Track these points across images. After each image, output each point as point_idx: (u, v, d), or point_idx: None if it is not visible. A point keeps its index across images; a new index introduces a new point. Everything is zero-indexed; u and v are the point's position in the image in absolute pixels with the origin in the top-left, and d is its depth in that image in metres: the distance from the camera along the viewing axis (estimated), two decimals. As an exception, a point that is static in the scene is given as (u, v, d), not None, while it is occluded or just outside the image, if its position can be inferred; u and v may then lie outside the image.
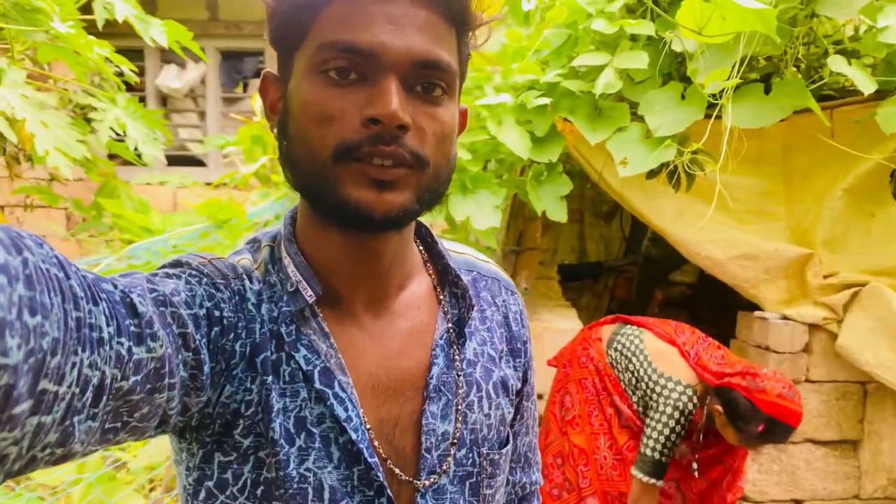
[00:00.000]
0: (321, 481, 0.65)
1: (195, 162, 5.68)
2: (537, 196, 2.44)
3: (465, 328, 0.78)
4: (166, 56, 5.49)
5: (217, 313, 0.63)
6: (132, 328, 0.52)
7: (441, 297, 0.78)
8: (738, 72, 2.02)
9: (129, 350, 0.51)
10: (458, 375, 0.75)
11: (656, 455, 1.99)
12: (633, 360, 2.15)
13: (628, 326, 2.28)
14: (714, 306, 4.11)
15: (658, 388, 2.04)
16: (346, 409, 0.67)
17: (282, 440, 0.65)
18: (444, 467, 0.72)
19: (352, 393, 0.68)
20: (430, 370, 0.73)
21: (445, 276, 0.79)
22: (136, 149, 2.59)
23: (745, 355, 2.84)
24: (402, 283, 0.76)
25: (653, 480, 1.98)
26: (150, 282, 0.59)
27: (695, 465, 2.10)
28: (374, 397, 0.70)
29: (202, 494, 0.66)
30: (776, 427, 1.84)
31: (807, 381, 2.72)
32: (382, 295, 0.74)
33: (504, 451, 0.79)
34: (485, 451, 0.76)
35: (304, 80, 0.63)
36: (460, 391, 0.75)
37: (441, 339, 0.76)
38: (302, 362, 0.67)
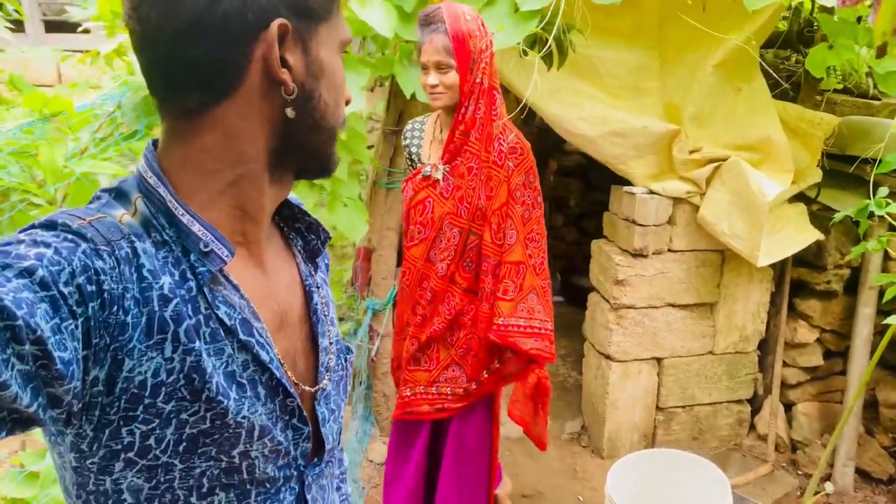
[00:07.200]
0: (253, 423, 0.71)
1: (76, 28, 5.27)
2: (407, 77, 2.39)
3: (319, 259, 0.88)
4: None
5: (92, 288, 0.59)
6: None
7: (285, 231, 0.86)
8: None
9: None
10: (322, 300, 0.86)
11: None
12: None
13: None
14: (607, 176, 4.23)
15: None
16: (266, 353, 0.73)
17: (219, 397, 0.67)
18: (329, 376, 0.84)
19: (267, 336, 0.74)
20: (312, 298, 0.84)
21: (280, 211, 0.84)
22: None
23: (615, 227, 2.98)
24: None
25: None
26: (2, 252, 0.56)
27: None
28: (279, 332, 0.77)
29: (117, 466, 0.66)
30: None
31: (669, 250, 2.89)
32: (265, 234, 0.79)
33: (353, 354, 0.93)
34: (346, 356, 0.90)
35: (336, 54, 0.73)
36: (325, 311, 0.86)
37: (306, 270, 0.85)
38: (225, 318, 0.69)
